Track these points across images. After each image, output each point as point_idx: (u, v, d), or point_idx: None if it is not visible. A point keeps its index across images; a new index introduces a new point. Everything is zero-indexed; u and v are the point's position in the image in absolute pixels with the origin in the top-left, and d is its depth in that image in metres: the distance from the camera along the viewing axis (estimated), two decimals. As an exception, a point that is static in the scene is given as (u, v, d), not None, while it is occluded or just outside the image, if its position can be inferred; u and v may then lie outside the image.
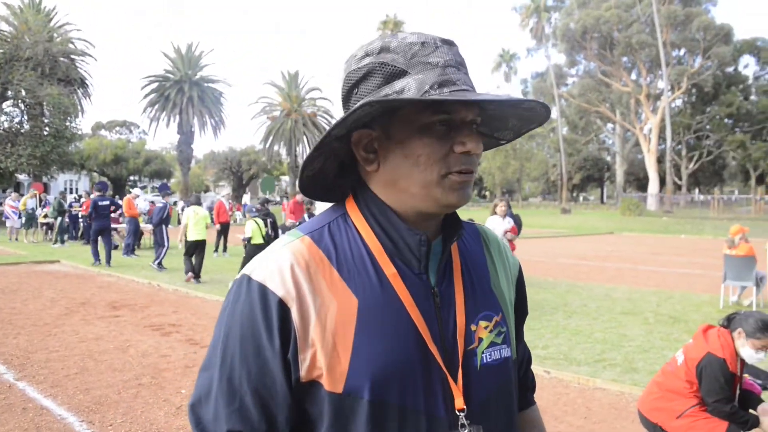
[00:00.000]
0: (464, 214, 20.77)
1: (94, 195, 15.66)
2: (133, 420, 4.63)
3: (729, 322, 3.50)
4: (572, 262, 16.26)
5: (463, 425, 0.96)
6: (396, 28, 60.18)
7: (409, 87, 0.93)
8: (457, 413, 0.96)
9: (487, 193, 67.35)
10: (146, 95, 49.79)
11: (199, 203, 12.76)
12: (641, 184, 59.38)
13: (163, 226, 13.95)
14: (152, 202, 19.91)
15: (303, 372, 0.94)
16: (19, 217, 21.53)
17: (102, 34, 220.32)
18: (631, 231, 30.73)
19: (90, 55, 40.40)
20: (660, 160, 51.58)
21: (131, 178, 60.67)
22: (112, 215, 19.27)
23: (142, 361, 6.25)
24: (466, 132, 0.95)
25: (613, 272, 14.22)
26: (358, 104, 0.90)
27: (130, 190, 18.07)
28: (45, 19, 38.84)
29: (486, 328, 1.03)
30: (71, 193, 43.69)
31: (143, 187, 61.53)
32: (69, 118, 34.64)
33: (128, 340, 7.11)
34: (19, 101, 34.28)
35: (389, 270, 0.98)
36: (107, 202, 15.00)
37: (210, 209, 14.56)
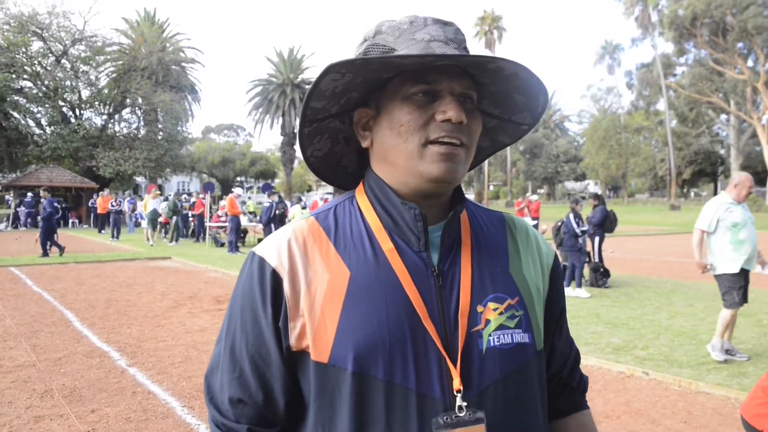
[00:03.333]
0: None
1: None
2: (230, 407, 4.86)
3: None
4: (679, 261, 15.42)
5: (460, 407, 0.92)
6: (494, 23, 59.36)
7: None
8: (456, 395, 0.92)
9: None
10: (251, 99, 51.90)
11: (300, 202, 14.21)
12: (760, 179, 55.31)
13: (272, 225, 14.59)
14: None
15: (293, 340, 0.96)
16: (139, 219, 23.11)
17: (209, 40, 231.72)
18: (747, 228, 28.67)
19: (199, 62, 42.96)
20: (781, 152, 47.91)
21: (238, 178, 63.42)
22: (219, 214, 20.40)
23: (241, 352, 6.55)
24: (448, 100, 0.94)
25: (724, 271, 13.32)
26: (322, 70, 0.92)
27: (232, 190, 19.04)
28: (159, 31, 41.46)
29: (495, 310, 0.98)
30: (183, 193, 46.26)
31: (249, 188, 64.27)
32: (180, 122, 36.82)
33: (229, 332, 7.45)
34: (136, 108, 36.81)
35: (386, 245, 0.98)
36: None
37: (304, 208, 15.53)
